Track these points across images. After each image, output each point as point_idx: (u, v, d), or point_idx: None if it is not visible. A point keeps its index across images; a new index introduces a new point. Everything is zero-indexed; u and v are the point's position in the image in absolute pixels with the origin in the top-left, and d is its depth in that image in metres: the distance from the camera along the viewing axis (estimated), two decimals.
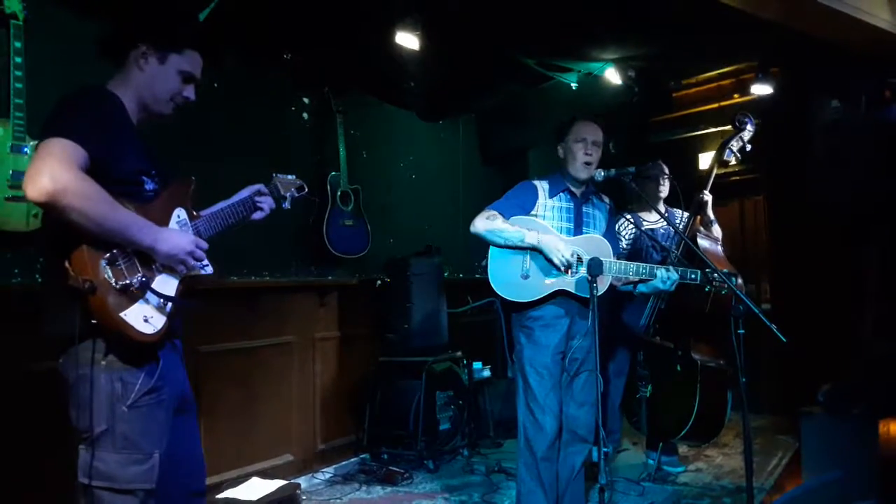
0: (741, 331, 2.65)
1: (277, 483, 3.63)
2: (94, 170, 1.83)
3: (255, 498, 3.40)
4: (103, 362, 1.88)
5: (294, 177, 2.56)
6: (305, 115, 4.67)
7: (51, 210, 1.76)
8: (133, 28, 2.10)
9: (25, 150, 2.99)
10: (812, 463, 3.97)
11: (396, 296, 4.77)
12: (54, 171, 1.72)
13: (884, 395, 4.08)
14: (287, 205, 2.51)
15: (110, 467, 1.87)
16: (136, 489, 1.90)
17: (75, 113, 1.88)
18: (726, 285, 2.90)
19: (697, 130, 7.12)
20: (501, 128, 6.20)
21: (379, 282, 4.89)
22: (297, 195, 2.54)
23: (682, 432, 3.88)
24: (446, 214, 5.73)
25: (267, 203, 2.38)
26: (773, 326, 2.60)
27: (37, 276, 3.18)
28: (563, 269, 3.00)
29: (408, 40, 4.36)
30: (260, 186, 2.39)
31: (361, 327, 4.90)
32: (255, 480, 3.64)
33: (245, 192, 2.36)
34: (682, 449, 4.69)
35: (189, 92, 2.16)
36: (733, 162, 3.99)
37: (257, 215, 2.36)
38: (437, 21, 4.30)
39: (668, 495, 4.00)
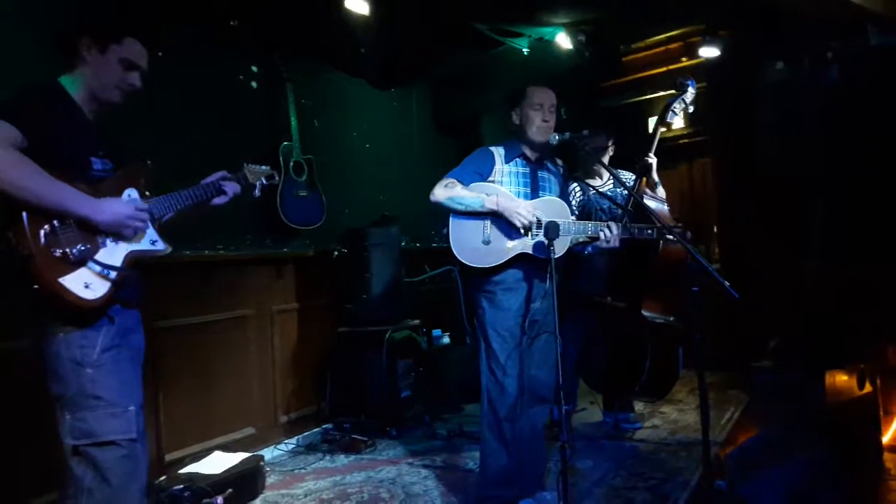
0: (695, 288, 2.72)
1: (240, 456, 3.63)
2: (36, 151, 1.98)
3: (218, 471, 3.39)
4: (61, 334, 2.05)
5: (267, 167, 2.65)
6: (254, 84, 4.57)
7: None
8: (74, 23, 2.23)
9: None
10: (762, 415, 4.12)
11: (354, 266, 4.74)
12: None
13: (828, 349, 4.24)
14: (258, 192, 2.61)
15: (89, 424, 2.06)
16: (118, 440, 2.09)
17: (16, 100, 2.05)
18: (678, 239, 2.98)
19: (646, 94, 7.21)
20: (454, 95, 6.17)
21: (336, 252, 4.87)
22: (266, 183, 2.65)
23: (636, 389, 3.97)
24: (401, 183, 5.70)
25: (231, 188, 2.49)
26: (726, 283, 2.67)
27: None
28: (523, 230, 3.03)
29: (357, 5, 4.29)
30: (224, 173, 2.49)
31: (319, 298, 4.87)
32: (217, 454, 3.63)
33: (210, 178, 2.46)
34: (638, 406, 4.82)
35: (133, 79, 2.28)
36: (676, 125, 4.04)
37: (219, 199, 2.48)
38: None
39: (625, 451, 4.11)
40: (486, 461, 3.19)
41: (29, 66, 3.04)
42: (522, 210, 3.03)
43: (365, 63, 5.20)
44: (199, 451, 3.77)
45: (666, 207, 4.08)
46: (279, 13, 4.39)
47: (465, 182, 3.11)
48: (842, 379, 3.94)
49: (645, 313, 3.91)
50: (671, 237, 3.09)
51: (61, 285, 1.97)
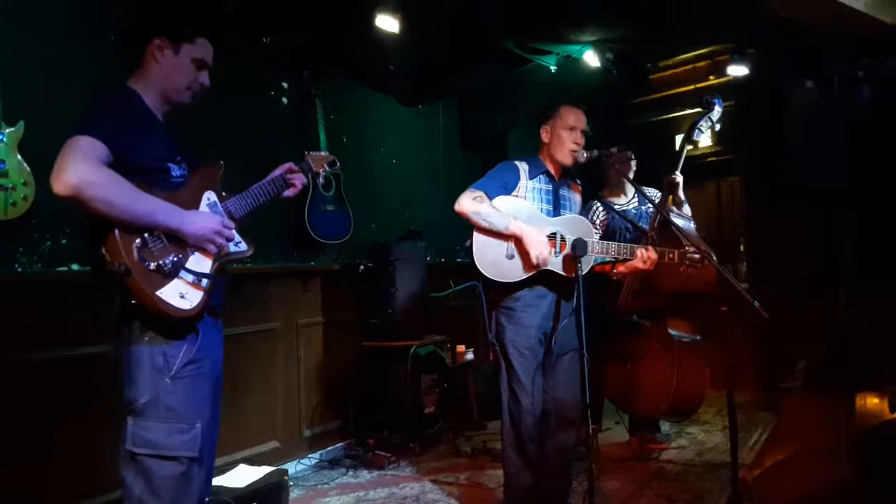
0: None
1: (265, 469, 3.62)
2: (118, 162, 1.97)
3: (242, 485, 3.40)
4: (146, 338, 2.03)
5: (326, 153, 2.64)
6: (285, 100, 4.62)
7: (76, 203, 1.89)
8: (148, 23, 2.23)
9: (1, 137, 2.94)
10: (791, 437, 4.05)
11: (380, 281, 4.76)
12: (76, 167, 1.87)
13: (859, 369, 4.16)
14: (321, 180, 2.58)
15: (155, 436, 2.02)
16: (180, 456, 2.04)
17: (95, 111, 2.03)
18: (704, 261, 2.94)
19: (674, 112, 7.19)
20: (481, 111, 6.19)
21: (362, 267, 4.89)
22: (328, 170, 2.64)
23: (663, 409, 3.93)
24: (427, 199, 5.73)
25: (299, 180, 2.46)
26: (755, 303, 2.64)
27: (16, 266, 3.14)
28: (533, 263, 2.97)
29: (388, 23, 4.33)
30: (291, 164, 2.47)
31: (345, 313, 4.89)
32: (242, 467, 3.64)
33: (277, 171, 2.44)
34: (665, 427, 4.77)
35: (203, 78, 2.28)
36: (704, 143, 4.02)
37: (289, 192, 2.44)
38: (417, 3, 4.28)
39: (651, 472, 4.06)
40: (509, 481, 3.15)
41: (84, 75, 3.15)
42: (542, 246, 2.97)
43: (393, 80, 5.24)
44: (224, 463, 3.79)
45: (693, 225, 4.04)
46: (310, 30, 4.45)
47: (491, 195, 3.08)
48: (873, 402, 3.87)
49: (671, 332, 3.88)
50: (696, 256, 3.03)
51: (160, 298, 1.97)
